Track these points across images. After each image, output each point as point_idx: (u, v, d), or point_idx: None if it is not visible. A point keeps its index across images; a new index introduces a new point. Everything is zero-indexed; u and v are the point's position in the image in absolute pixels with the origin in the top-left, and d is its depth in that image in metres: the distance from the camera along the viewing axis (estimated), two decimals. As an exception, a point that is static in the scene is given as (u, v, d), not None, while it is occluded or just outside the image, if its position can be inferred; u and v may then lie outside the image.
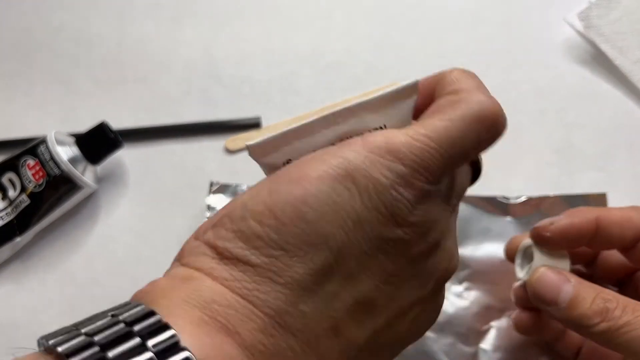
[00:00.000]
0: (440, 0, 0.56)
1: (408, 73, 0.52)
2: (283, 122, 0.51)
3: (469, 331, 0.40)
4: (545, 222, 0.34)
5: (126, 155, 0.50)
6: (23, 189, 0.44)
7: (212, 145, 0.50)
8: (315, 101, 0.52)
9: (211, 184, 0.46)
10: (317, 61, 0.53)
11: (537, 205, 0.45)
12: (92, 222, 0.48)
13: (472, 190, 0.47)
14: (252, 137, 0.50)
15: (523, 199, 0.45)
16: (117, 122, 0.51)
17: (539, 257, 0.34)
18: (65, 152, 0.44)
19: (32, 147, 0.45)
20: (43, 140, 0.44)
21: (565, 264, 0.34)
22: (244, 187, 0.46)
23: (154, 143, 0.50)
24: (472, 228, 0.44)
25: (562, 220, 0.33)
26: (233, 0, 0.56)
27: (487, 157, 0.49)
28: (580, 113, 0.51)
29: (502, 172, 0.48)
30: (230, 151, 0.50)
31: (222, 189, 0.46)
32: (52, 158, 0.44)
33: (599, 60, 0.52)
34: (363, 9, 0.56)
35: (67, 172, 0.44)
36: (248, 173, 0.49)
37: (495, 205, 0.45)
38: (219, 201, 0.46)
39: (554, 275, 0.32)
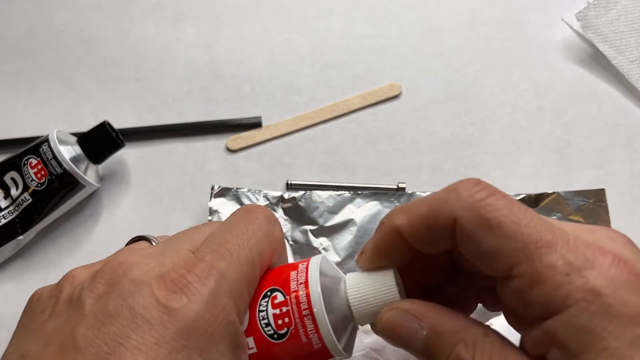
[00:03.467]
0: (439, 0, 0.56)
1: (408, 73, 0.53)
2: (284, 121, 0.51)
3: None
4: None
5: (128, 155, 0.50)
6: (25, 187, 0.44)
7: (213, 145, 0.50)
8: (315, 100, 0.52)
9: (212, 188, 0.46)
10: (317, 61, 0.54)
11: (536, 203, 0.45)
12: (94, 220, 0.48)
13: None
14: (253, 137, 0.50)
15: (522, 196, 0.46)
16: (119, 122, 0.51)
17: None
18: (68, 151, 0.44)
19: (34, 146, 0.45)
20: (45, 140, 0.45)
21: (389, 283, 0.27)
22: (245, 190, 0.47)
23: (155, 142, 0.51)
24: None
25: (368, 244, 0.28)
26: (234, 0, 0.57)
27: (487, 156, 0.50)
28: (579, 112, 0.51)
29: (501, 171, 0.49)
30: (231, 150, 0.50)
31: (223, 192, 0.46)
32: (55, 157, 0.44)
33: (597, 60, 0.53)
34: (363, 9, 0.56)
35: (69, 171, 0.44)
36: (249, 172, 0.49)
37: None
38: (221, 204, 0.46)
39: (401, 320, 0.25)
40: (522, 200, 0.45)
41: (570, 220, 0.45)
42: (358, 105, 0.51)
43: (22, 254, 0.47)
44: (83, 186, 0.45)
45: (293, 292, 0.26)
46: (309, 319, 0.25)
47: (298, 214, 0.46)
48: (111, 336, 0.21)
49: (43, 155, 0.44)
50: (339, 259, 0.44)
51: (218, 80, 0.53)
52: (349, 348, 0.27)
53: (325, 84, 0.53)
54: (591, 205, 0.45)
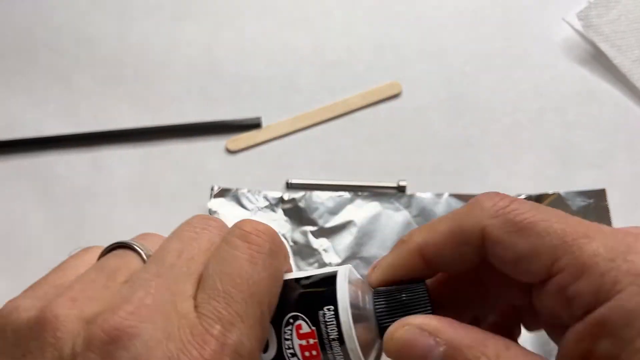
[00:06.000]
0: (440, 0, 0.56)
1: (408, 72, 0.52)
2: (284, 121, 0.51)
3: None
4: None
5: (128, 155, 0.50)
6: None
7: (213, 145, 0.50)
8: (315, 100, 0.52)
9: (212, 188, 0.46)
10: (317, 60, 0.54)
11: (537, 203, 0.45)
12: (94, 220, 0.48)
13: (471, 189, 0.47)
14: (253, 138, 0.50)
15: (522, 197, 0.45)
16: (118, 122, 0.51)
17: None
18: (362, 330, 0.26)
19: (310, 296, 0.25)
20: (331, 297, 0.25)
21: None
22: (245, 191, 0.46)
23: (155, 142, 0.51)
24: (471, 227, 0.45)
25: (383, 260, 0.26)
26: (234, 0, 0.57)
27: (488, 156, 0.50)
28: (580, 112, 0.51)
29: (502, 171, 0.49)
30: (231, 151, 0.50)
31: (223, 192, 0.46)
32: (341, 338, 0.25)
33: (598, 60, 0.53)
34: (363, 9, 0.56)
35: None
36: (248, 173, 0.49)
37: (495, 204, 0.45)
38: (220, 205, 0.46)
39: (415, 337, 0.23)
40: (522, 200, 0.45)
41: (571, 220, 0.45)
42: (358, 105, 0.51)
43: (22, 254, 0.47)
44: None
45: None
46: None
47: (298, 214, 0.46)
48: None
49: (322, 327, 0.24)
50: (339, 260, 0.44)
51: (218, 80, 0.53)
52: None
53: (325, 84, 0.53)
54: (592, 206, 0.45)
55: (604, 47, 0.52)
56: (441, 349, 0.22)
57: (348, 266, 0.25)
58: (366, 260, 0.44)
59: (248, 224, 0.25)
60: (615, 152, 0.49)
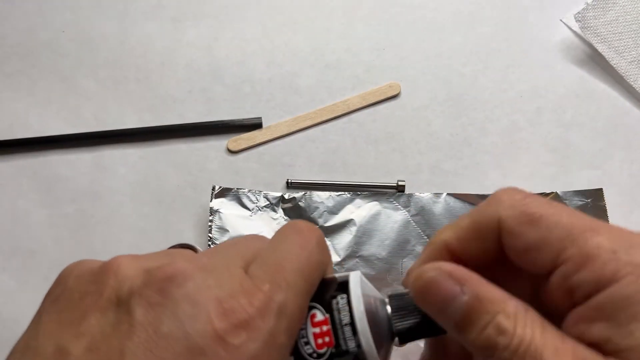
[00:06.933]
0: (439, 0, 0.56)
1: (407, 73, 0.53)
2: (284, 122, 0.51)
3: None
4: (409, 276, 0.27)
5: (128, 155, 0.50)
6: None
7: (214, 145, 0.51)
8: (315, 100, 0.52)
9: (213, 188, 0.47)
10: (317, 61, 0.54)
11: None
12: (94, 220, 0.48)
13: (469, 189, 0.47)
14: (254, 138, 0.50)
15: (520, 197, 0.46)
16: (120, 122, 0.52)
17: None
18: (373, 319, 0.28)
19: (323, 288, 0.27)
20: (343, 285, 0.27)
21: None
22: (245, 191, 0.47)
23: (156, 143, 0.51)
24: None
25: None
26: (234, 1, 0.57)
27: (486, 156, 0.50)
28: (577, 112, 0.51)
29: (500, 171, 0.49)
30: (232, 151, 0.50)
31: (224, 192, 0.47)
32: (352, 323, 0.26)
33: (596, 61, 0.53)
34: (363, 9, 0.56)
35: (365, 353, 0.26)
36: (249, 173, 0.50)
37: (493, 204, 0.46)
38: (222, 205, 0.46)
39: (442, 281, 0.24)
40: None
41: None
42: (358, 105, 0.52)
43: (24, 253, 0.47)
44: None
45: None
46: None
47: (298, 214, 0.46)
48: None
49: (335, 314, 0.26)
50: (338, 259, 0.44)
51: (218, 80, 0.53)
52: None
53: (325, 84, 0.53)
54: (589, 205, 0.45)
55: (601, 48, 0.52)
56: (465, 297, 0.23)
57: (359, 272, 0.27)
58: (365, 259, 0.45)
59: (300, 222, 0.27)
60: (613, 152, 0.49)
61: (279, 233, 0.26)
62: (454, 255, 0.26)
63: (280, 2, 0.57)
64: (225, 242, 0.27)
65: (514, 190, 0.25)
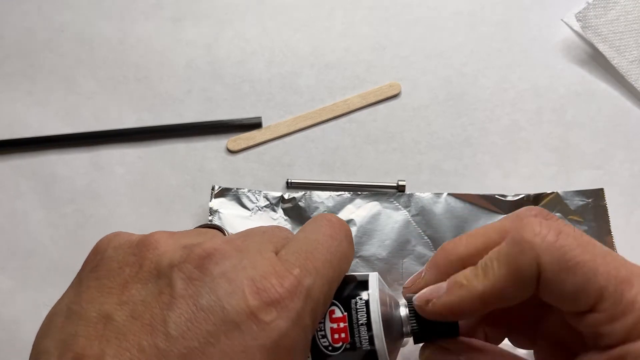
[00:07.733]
0: (439, 0, 0.56)
1: (408, 73, 0.53)
2: (284, 122, 0.51)
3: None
4: (416, 286, 0.29)
5: (128, 155, 0.50)
6: None
7: (214, 145, 0.51)
8: (315, 100, 0.52)
9: (213, 188, 0.46)
10: (317, 61, 0.54)
11: (535, 203, 0.45)
12: (94, 220, 0.48)
13: (470, 189, 0.47)
14: (253, 138, 0.50)
15: (521, 196, 0.46)
16: (119, 122, 0.51)
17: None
18: (387, 321, 0.29)
19: (346, 286, 0.29)
20: (363, 285, 0.29)
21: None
22: (245, 191, 0.47)
23: (155, 142, 0.51)
24: (469, 226, 0.45)
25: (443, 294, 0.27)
26: (234, 0, 0.57)
27: (486, 156, 0.50)
28: (578, 112, 0.51)
29: (500, 171, 0.49)
30: (231, 151, 0.50)
31: (223, 192, 0.47)
32: (368, 324, 0.28)
33: (597, 60, 0.53)
34: (363, 9, 0.56)
35: (377, 352, 0.28)
36: (249, 172, 0.49)
37: (493, 203, 0.46)
38: (221, 204, 0.46)
39: (439, 357, 0.27)
40: (521, 200, 0.46)
41: (570, 220, 0.45)
42: (358, 105, 0.52)
43: (23, 254, 0.47)
44: None
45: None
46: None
47: (298, 214, 0.46)
48: (203, 333, 0.21)
49: (353, 313, 0.27)
50: (338, 259, 0.44)
51: (218, 80, 0.53)
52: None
53: (325, 84, 0.53)
54: (590, 205, 0.45)
55: (602, 47, 0.52)
56: None
57: (376, 273, 0.29)
58: (365, 259, 0.44)
59: (330, 215, 0.29)
60: (614, 152, 0.49)
61: (311, 223, 0.28)
62: (486, 304, 0.26)
63: (280, 2, 0.57)
64: (254, 228, 0.28)
65: (539, 224, 0.25)
